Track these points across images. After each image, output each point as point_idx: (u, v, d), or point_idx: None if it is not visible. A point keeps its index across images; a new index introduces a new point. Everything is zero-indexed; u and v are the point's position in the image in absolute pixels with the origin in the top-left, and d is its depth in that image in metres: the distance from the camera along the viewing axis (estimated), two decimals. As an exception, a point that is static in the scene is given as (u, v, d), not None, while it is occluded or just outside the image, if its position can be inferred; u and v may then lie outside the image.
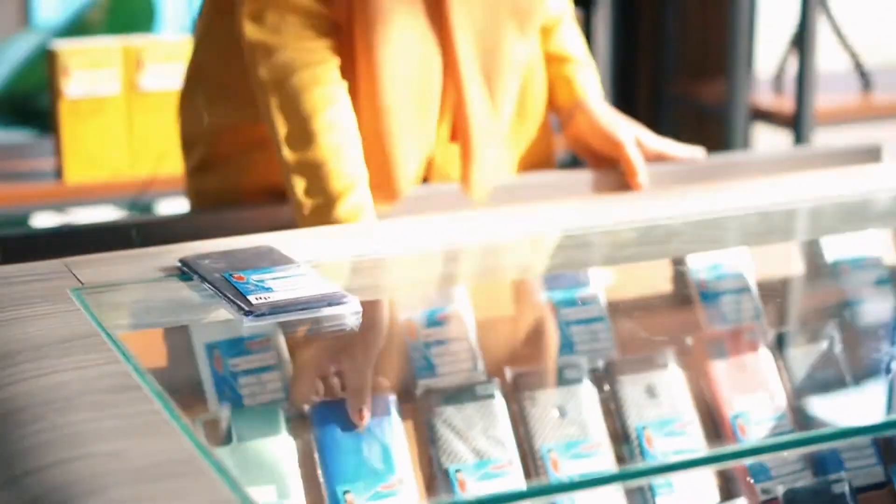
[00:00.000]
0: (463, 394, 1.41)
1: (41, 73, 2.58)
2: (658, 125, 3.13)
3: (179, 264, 1.19)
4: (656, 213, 1.56)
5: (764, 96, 3.07)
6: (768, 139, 3.24)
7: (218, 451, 1.29)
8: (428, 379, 1.43)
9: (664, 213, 1.56)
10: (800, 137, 2.79)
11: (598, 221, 1.55)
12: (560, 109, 1.78)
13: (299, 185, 1.47)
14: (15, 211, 2.36)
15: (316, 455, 1.31)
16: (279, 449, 1.32)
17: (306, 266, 1.16)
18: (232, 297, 1.08)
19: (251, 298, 1.06)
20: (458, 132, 1.65)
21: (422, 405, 1.40)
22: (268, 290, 1.08)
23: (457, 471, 1.37)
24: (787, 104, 2.94)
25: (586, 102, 1.75)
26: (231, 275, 1.12)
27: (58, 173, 2.36)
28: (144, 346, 1.21)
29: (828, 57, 3.07)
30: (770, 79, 3.14)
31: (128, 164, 2.31)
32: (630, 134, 1.73)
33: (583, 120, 1.75)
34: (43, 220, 2.37)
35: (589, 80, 1.77)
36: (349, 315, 1.08)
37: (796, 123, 2.79)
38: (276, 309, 1.06)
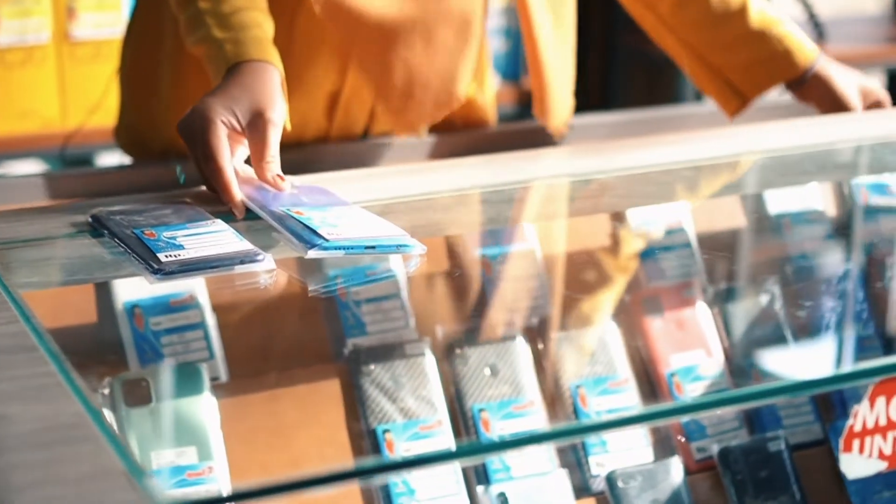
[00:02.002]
0: (392, 352, 1.38)
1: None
2: (609, 77, 3.10)
3: (90, 220, 1.15)
4: (596, 167, 1.53)
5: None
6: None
7: (137, 411, 1.26)
8: (358, 338, 1.40)
9: (604, 166, 1.53)
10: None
11: (536, 174, 1.52)
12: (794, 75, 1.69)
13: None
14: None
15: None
16: (201, 409, 1.28)
17: (223, 223, 1.12)
18: (141, 255, 1.04)
19: (160, 256, 1.03)
20: (530, 61, 1.61)
21: (351, 364, 1.37)
22: (179, 247, 1.04)
23: (385, 431, 1.34)
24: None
25: (821, 68, 1.67)
26: (142, 231, 1.08)
27: (-14, 125, 2.31)
28: (52, 306, 1.17)
29: (782, 7, 3.03)
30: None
31: (58, 116, 2.26)
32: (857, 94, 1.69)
33: (818, 86, 1.68)
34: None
35: (807, 40, 1.70)
36: (263, 273, 1.05)
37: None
38: (186, 267, 1.02)
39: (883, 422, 0.92)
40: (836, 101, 1.67)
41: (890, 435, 0.92)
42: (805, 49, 1.66)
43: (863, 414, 0.91)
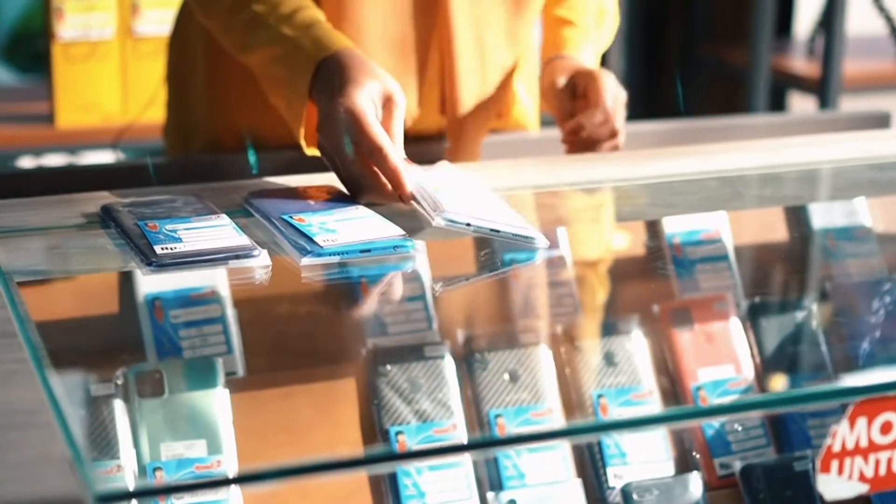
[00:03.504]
0: (411, 354, 1.38)
1: (40, 16, 2.57)
2: (687, 87, 3.07)
3: (101, 211, 1.16)
4: (635, 174, 1.51)
5: (797, 61, 3.00)
6: (800, 105, 3.17)
7: (150, 403, 1.27)
8: (378, 338, 1.40)
9: (644, 173, 1.51)
10: (826, 103, 2.72)
11: (569, 179, 1.51)
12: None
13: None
14: (6, 154, 2.35)
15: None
16: (214, 403, 1.29)
17: (227, 218, 1.13)
18: (139, 246, 1.05)
19: (157, 248, 1.04)
20: (447, 105, 1.56)
21: (368, 364, 1.37)
22: (177, 240, 1.05)
23: (398, 432, 1.34)
24: (818, 70, 2.86)
25: (570, 56, 1.64)
26: (146, 223, 1.09)
27: (51, 117, 2.36)
28: (50, 295, 1.19)
29: (863, 22, 2.98)
30: (805, 43, 3.06)
31: (120, 109, 2.29)
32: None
33: (560, 64, 1.62)
34: (30, 163, 2.36)
35: (583, 44, 1.66)
36: (258, 269, 1.05)
37: (822, 89, 2.71)
38: (180, 260, 1.03)
39: (864, 443, 0.89)
40: (577, 72, 1.59)
41: (872, 457, 0.90)
42: (564, 46, 1.63)
43: (842, 434, 0.88)
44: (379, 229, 1.09)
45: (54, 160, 2.35)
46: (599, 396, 1.42)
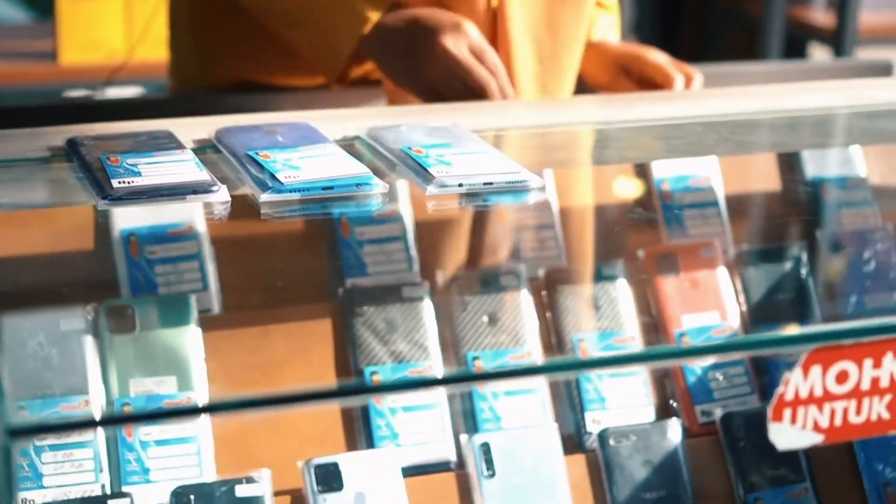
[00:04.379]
0: (389, 294, 1.37)
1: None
2: (706, 37, 3.03)
3: (66, 144, 1.15)
4: (623, 117, 1.48)
5: (816, 12, 2.96)
6: (819, 56, 3.12)
7: (120, 338, 1.27)
8: (357, 278, 1.39)
9: (633, 116, 1.49)
10: (840, 53, 2.68)
11: (560, 120, 1.48)
12: None
13: None
14: (9, 90, 2.35)
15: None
16: (186, 340, 1.28)
17: (191, 153, 1.12)
18: (98, 179, 1.04)
19: (114, 182, 1.02)
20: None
21: (345, 303, 1.36)
22: (136, 174, 1.04)
23: (373, 373, 1.33)
24: (835, 20, 2.82)
25: (608, 43, 1.70)
26: (107, 157, 1.08)
27: (54, 54, 2.35)
28: (22, 230, 1.18)
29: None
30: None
31: (123, 47, 2.28)
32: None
33: (596, 53, 1.69)
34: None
35: (610, 25, 1.72)
36: (217, 204, 1.04)
37: (838, 39, 2.67)
38: (136, 194, 1.01)
39: (819, 392, 0.87)
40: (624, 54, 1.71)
41: (827, 406, 0.88)
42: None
43: (795, 382, 0.86)
44: (343, 167, 1.07)
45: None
46: (580, 340, 1.40)
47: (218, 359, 1.29)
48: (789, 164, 1.57)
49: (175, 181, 1.03)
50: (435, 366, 1.34)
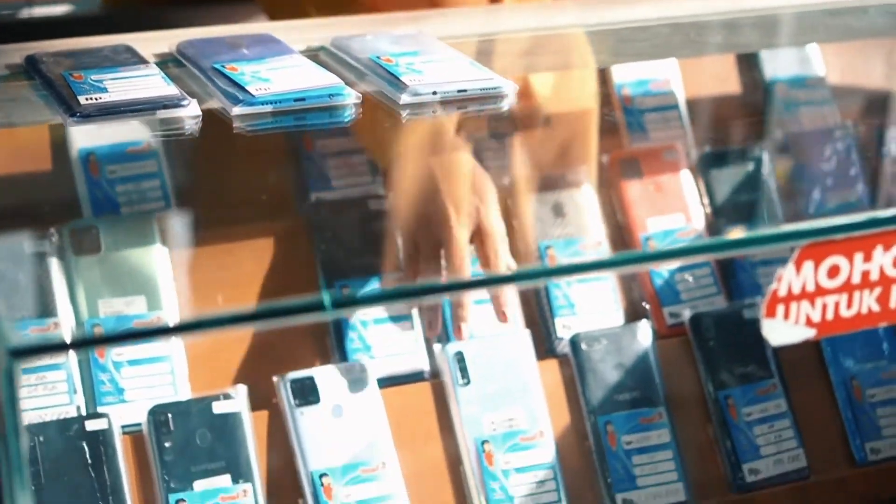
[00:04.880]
0: (354, 207, 1.35)
1: None
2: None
3: (25, 62, 1.12)
4: (585, 20, 1.46)
5: None
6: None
7: (86, 260, 1.24)
8: (321, 192, 1.37)
9: (593, 20, 1.47)
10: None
11: (516, 26, 1.46)
12: None
13: None
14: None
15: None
16: (152, 259, 1.26)
17: (155, 67, 1.09)
18: (63, 97, 1.01)
19: (81, 98, 0.99)
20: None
21: (311, 217, 1.34)
22: (102, 90, 1.01)
23: (342, 286, 1.32)
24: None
25: None
26: (70, 73, 1.05)
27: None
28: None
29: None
30: None
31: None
32: None
33: None
34: None
35: None
36: (187, 119, 1.01)
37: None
38: (105, 110, 0.99)
39: (811, 287, 0.88)
40: None
41: (819, 301, 0.88)
42: None
43: (788, 278, 0.86)
44: (313, 78, 1.05)
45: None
46: (547, 248, 1.40)
47: (185, 277, 1.28)
48: (748, 64, 1.57)
49: (144, 96, 1.01)
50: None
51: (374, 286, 1.32)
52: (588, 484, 1.32)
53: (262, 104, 1.02)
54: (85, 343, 0.72)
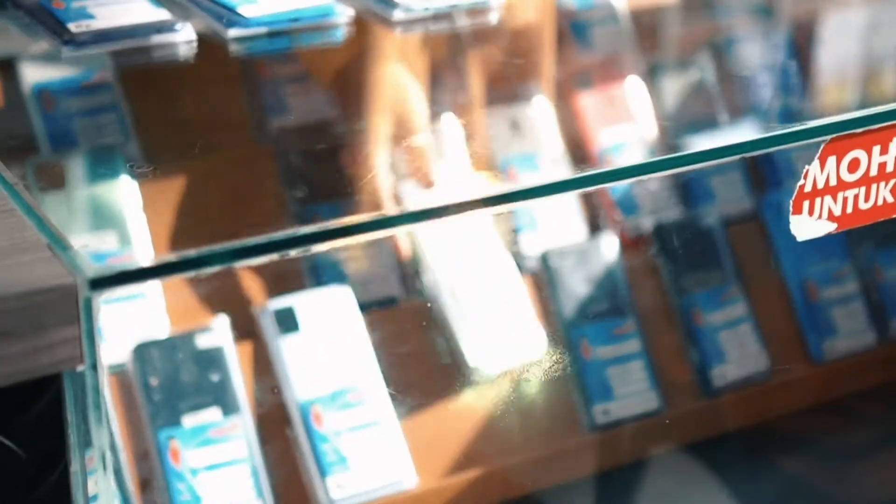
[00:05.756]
0: (318, 134, 1.33)
1: None
2: None
3: (-9, -8, 1.07)
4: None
5: None
6: None
7: (52, 198, 1.20)
8: (282, 116, 1.35)
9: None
10: None
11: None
12: None
13: None
14: None
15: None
16: (120, 193, 1.23)
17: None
18: (49, 25, 0.97)
19: (70, 26, 0.96)
20: None
21: (277, 144, 1.32)
22: (90, 17, 0.98)
23: (313, 214, 1.30)
24: None
25: None
26: (49, 1, 1.01)
27: None
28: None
29: None
30: None
31: None
32: None
33: None
34: None
35: None
36: (182, 44, 0.98)
37: None
38: (99, 37, 0.95)
39: (833, 182, 0.89)
40: None
41: (840, 195, 0.89)
42: None
43: (813, 174, 0.88)
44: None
45: None
46: (507, 164, 1.39)
47: (153, 208, 1.24)
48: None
49: (136, 21, 0.97)
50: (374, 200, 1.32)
51: (344, 213, 1.30)
52: (563, 397, 1.33)
53: (258, 25, 0.99)
54: (165, 271, 0.70)
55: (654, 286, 1.40)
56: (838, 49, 1.55)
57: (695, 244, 1.41)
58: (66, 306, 0.65)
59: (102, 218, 1.21)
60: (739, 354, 1.39)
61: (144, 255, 1.18)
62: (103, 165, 1.23)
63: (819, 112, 1.53)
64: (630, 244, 1.41)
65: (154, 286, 1.20)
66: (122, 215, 1.22)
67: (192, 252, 0.70)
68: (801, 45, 1.57)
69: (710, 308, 1.39)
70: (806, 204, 0.89)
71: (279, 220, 1.26)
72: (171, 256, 0.69)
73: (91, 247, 1.18)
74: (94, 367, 0.66)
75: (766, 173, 1.47)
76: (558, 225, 1.39)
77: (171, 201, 1.26)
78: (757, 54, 1.55)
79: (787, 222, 1.45)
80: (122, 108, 1.26)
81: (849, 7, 1.63)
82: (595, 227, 1.41)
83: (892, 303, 1.48)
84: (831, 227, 0.91)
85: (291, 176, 1.30)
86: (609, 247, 1.37)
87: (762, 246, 1.45)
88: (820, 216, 0.90)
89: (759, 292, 1.43)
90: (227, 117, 1.27)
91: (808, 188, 0.89)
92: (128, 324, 1.19)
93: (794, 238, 1.45)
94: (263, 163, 1.30)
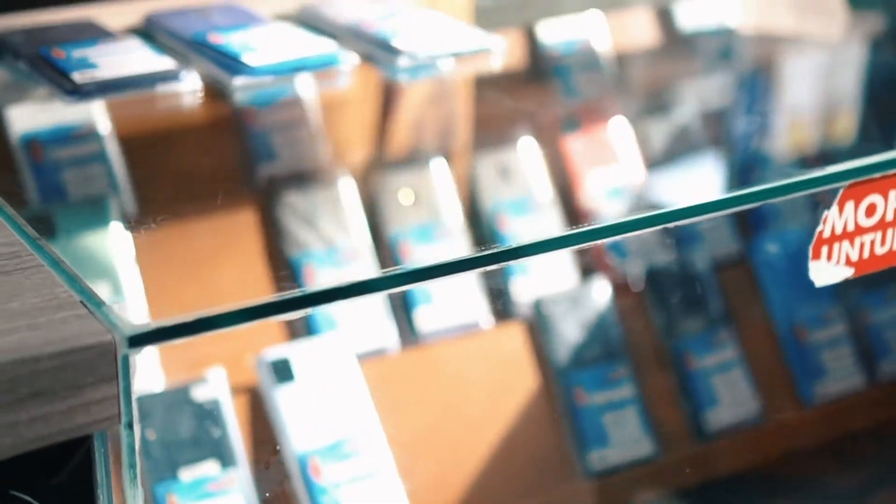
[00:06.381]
0: (307, 180, 1.32)
1: None
2: None
3: (-11, 41, 1.05)
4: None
5: None
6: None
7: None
8: (270, 164, 1.33)
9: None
10: None
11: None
12: None
13: None
14: None
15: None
16: (112, 243, 1.21)
17: (137, 40, 1.04)
18: (50, 75, 0.95)
19: (74, 76, 0.94)
20: None
21: (267, 192, 1.30)
22: (93, 66, 0.96)
23: (305, 261, 1.28)
24: None
25: None
26: (49, 50, 0.99)
27: None
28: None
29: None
30: None
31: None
32: None
33: None
34: None
35: None
36: (186, 93, 0.97)
37: None
38: (104, 86, 0.94)
39: (851, 227, 0.89)
40: None
41: (857, 241, 0.89)
42: None
43: (832, 219, 0.87)
44: (305, 45, 1.02)
45: None
46: (496, 211, 1.39)
47: (144, 259, 1.22)
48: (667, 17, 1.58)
49: (141, 71, 0.96)
50: (363, 249, 1.30)
51: (335, 258, 1.29)
52: (558, 443, 1.32)
53: (263, 74, 0.98)
54: (201, 327, 0.68)
55: (645, 330, 1.39)
56: (820, 90, 1.56)
57: (685, 288, 1.41)
58: (101, 364, 0.63)
59: (94, 270, 1.19)
60: (732, 398, 1.39)
61: (139, 309, 1.16)
62: (98, 216, 1.22)
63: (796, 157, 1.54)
64: (621, 289, 1.40)
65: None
66: (114, 267, 1.20)
67: (231, 307, 0.68)
68: (778, 87, 1.58)
69: (702, 352, 1.39)
70: (825, 249, 0.89)
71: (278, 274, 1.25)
72: (207, 312, 0.67)
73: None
74: (130, 425, 0.65)
75: (754, 218, 1.48)
76: (550, 270, 1.39)
77: (166, 253, 1.24)
78: (738, 98, 1.56)
79: (775, 266, 1.46)
80: (129, 159, 1.24)
81: (822, 49, 1.64)
82: (587, 271, 1.41)
83: (881, 345, 1.48)
84: (849, 273, 0.91)
85: (288, 225, 1.29)
86: (601, 292, 1.37)
87: (751, 290, 1.45)
88: (838, 262, 0.90)
89: (750, 336, 1.43)
90: (235, 166, 1.26)
91: (826, 234, 0.89)
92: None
93: (782, 281, 1.46)
94: (262, 212, 1.28)
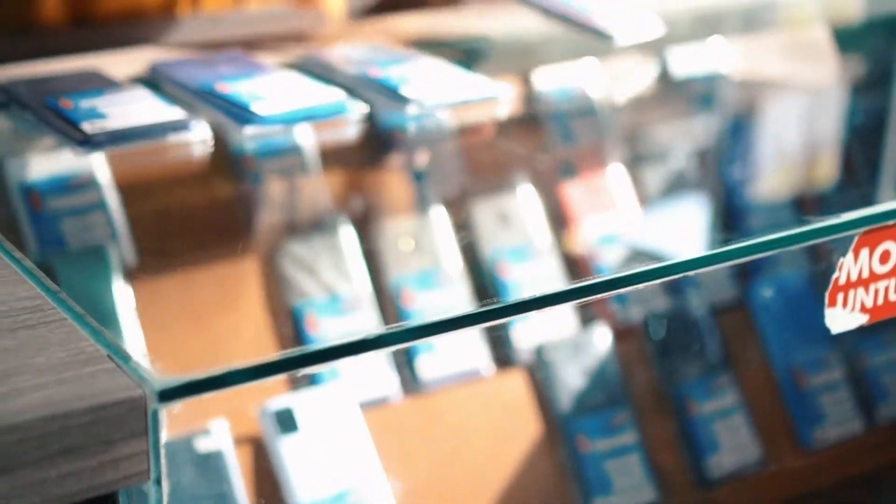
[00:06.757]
0: (308, 229, 1.32)
1: None
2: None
3: (-6, 92, 1.05)
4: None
5: None
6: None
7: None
8: (276, 215, 1.33)
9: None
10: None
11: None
12: None
13: None
14: None
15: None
16: (113, 293, 1.20)
17: (144, 89, 1.03)
18: (59, 126, 0.95)
19: (84, 126, 0.94)
20: None
21: (269, 242, 1.30)
22: (101, 116, 0.95)
23: (308, 309, 1.28)
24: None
25: None
26: (56, 100, 0.99)
27: None
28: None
29: None
30: None
31: None
32: None
33: None
34: None
35: None
36: (196, 143, 0.97)
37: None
38: (114, 137, 0.93)
39: (866, 274, 0.89)
40: None
41: (872, 287, 0.89)
42: None
43: (847, 266, 0.88)
44: (314, 94, 1.01)
45: None
46: (496, 258, 1.39)
47: (145, 309, 1.22)
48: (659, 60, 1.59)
49: (150, 121, 0.95)
50: (365, 296, 1.30)
51: (338, 305, 1.28)
52: (561, 491, 1.31)
53: (272, 123, 0.98)
54: (232, 380, 0.68)
55: (646, 376, 1.39)
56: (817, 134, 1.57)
57: (685, 334, 1.41)
58: (131, 419, 0.63)
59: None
60: (733, 444, 1.39)
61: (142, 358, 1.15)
62: (94, 266, 1.21)
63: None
64: (621, 334, 1.40)
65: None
66: (116, 318, 1.19)
67: (261, 360, 0.67)
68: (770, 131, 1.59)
69: (703, 398, 1.38)
70: (840, 297, 0.89)
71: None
72: (237, 365, 0.66)
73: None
74: (159, 481, 0.64)
75: (751, 262, 1.48)
76: (551, 317, 1.38)
77: (168, 304, 1.23)
78: (732, 141, 1.56)
79: (773, 310, 1.46)
80: (141, 210, 1.24)
81: (813, 94, 1.65)
82: (587, 318, 1.40)
83: (879, 389, 1.48)
84: (863, 320, 0.91)
85: (293, 275, 1.28)
86: (602, 338, 1.37)
87: (750, 334, 1.45)
88: (853, 309, 0.90)
89: (749, 380, 1.43)
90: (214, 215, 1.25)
91: (842, 281, 0.89)
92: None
93: (780, 326, 1.46)
94: (255, 262, 1.28)
